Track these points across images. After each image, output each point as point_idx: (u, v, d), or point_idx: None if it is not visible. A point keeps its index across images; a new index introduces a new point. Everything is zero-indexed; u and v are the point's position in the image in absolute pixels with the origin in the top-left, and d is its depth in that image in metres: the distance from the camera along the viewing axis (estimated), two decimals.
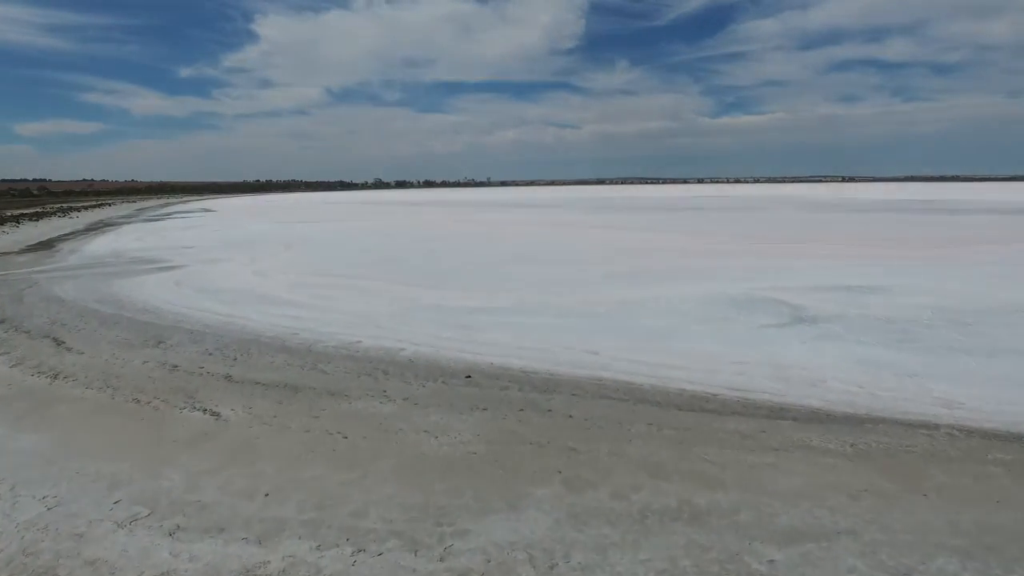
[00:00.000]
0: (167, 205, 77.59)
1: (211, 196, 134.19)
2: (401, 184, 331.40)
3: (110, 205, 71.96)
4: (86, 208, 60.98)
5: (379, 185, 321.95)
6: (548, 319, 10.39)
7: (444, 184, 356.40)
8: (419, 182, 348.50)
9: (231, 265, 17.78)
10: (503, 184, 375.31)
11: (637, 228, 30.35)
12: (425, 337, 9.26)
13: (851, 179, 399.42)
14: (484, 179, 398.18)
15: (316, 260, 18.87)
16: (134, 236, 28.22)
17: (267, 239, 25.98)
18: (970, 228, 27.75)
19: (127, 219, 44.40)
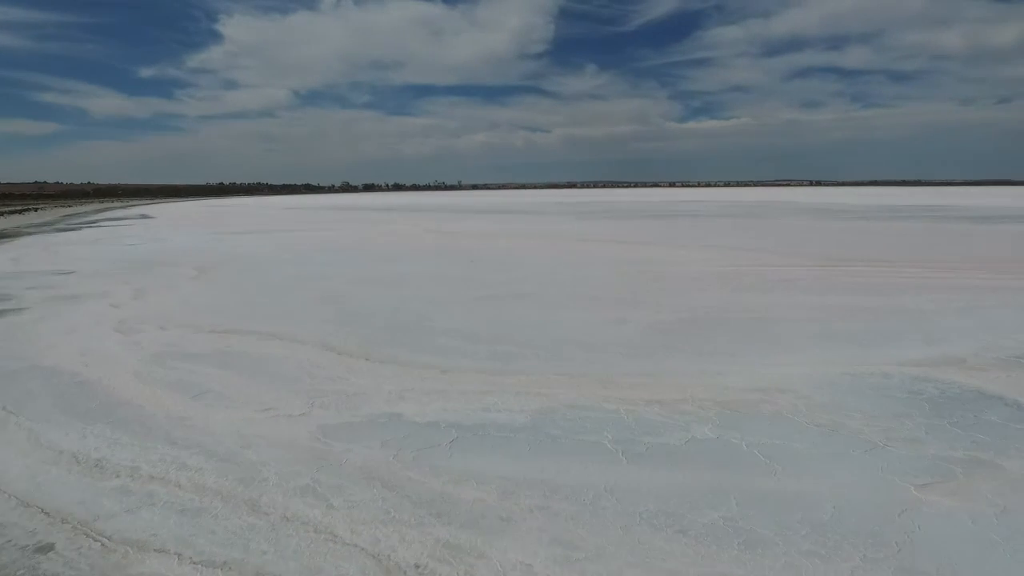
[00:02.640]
0: (107, 210, 70.15)
1: (165, 200, 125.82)
2: (369, 187, 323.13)
3: (36, 210, 64.31)
4: (2, 215, 53.58)
5: (346, 188, 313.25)
6: (610, 470, 5.10)
7: (414, 187, 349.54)
8: (388, 185, 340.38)
9: (94, 307, 12.06)
10: (474, 187, 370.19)
11: (642, 241, 25.30)
12: None
13: (818, 183, 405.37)
14: (455, 182, 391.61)
15: (227, 297, 13.27)
16: (11, 255, 22.03)
17: (183, 258, 20.15)
18: None
19: (37, 228, 37.73)
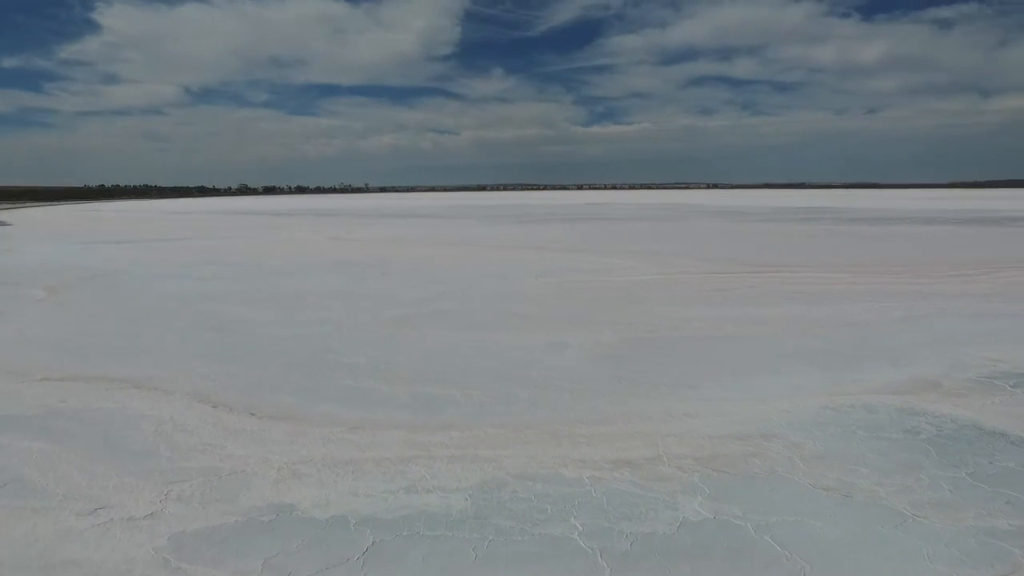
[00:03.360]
0: None
1: (31, 204, 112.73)
2: (270, 190, 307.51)
3: None
4: None
5: (245, 191, 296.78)
6: None
7: (319, 190, 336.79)
8: (290, 187, 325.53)
9: None
10: (383, 190, 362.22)
11: (563, 247, 24.34)
12: None
13: (715, 185, 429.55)
14: (362, 185, 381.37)
15: (80, 327, 10.80)
16: None
17: (33, 275, 16.94)
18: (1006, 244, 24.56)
19: None
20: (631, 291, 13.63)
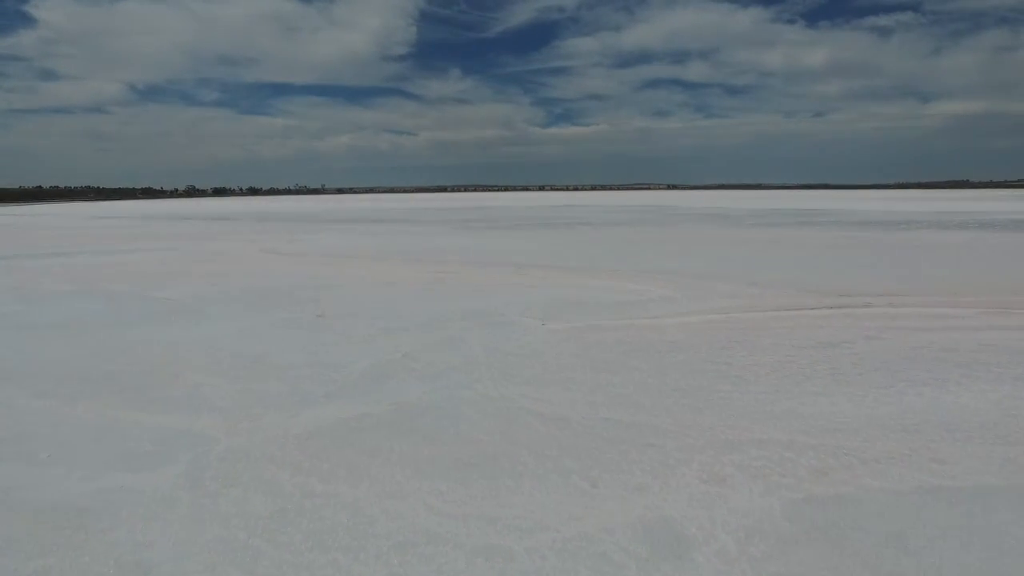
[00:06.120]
0: None
1: None
2: (220, 191, 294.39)
3: None
4: None
5: (192, 192, 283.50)
6: None
7: (272, 192, 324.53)
8: (242, 189, 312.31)
9: None
10: (340, 191, 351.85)
11: (557, 264, 19.37)
12: None
13: (673, 186, 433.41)
14: (319, 186, 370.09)
15: None
16: None
17: None
18: None
19: None
20: (700, 351, 8.80)
